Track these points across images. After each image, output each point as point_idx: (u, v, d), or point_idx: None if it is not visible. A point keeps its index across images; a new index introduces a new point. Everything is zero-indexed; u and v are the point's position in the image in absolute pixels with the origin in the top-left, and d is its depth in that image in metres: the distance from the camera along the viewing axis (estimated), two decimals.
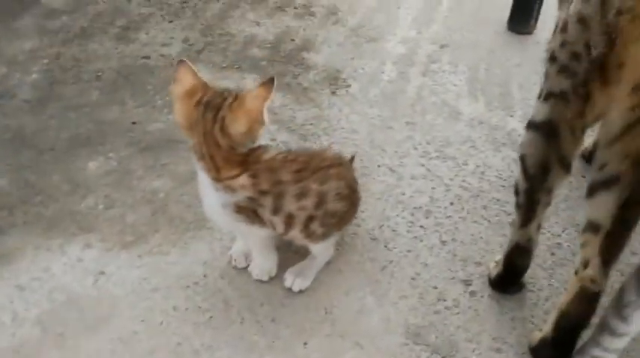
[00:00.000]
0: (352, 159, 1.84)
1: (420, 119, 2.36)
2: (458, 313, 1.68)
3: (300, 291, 1.69)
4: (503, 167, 2.17)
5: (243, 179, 1.50)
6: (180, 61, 1.48)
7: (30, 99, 2.33)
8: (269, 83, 1.44)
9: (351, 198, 1.70)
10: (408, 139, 2.26)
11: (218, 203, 1.52)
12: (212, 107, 1.46)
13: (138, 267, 1.75)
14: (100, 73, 2.48)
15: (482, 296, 1.73)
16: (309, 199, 1.57)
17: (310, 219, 1.59)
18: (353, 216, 1.76)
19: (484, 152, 2.23)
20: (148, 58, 2.59)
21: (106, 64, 2.54)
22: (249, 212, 1.53)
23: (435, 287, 1.74)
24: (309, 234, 1.62)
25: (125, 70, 2.51)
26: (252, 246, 1.69)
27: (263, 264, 1.71)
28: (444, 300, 1.71)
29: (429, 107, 2.42)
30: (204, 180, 1.53)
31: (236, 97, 1.46)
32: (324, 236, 1.64)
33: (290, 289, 1.69)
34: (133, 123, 2.25)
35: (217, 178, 1.50)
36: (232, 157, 1.48)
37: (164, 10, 2.93)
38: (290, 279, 1.69)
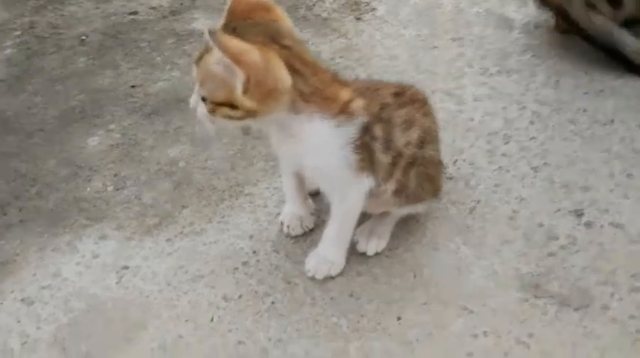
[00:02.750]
0: None
1: (466, 33, 1.99)
2: (578, 251, 1.33)
3: (377, 254, 1.35)
4: (579, 72, 1.81)
5: (359, 100, 1.20)
6: None
7: (6, 77, 1.96)
8: None
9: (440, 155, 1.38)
10: (459, 57, 1.89)
11: (338, 145, 1.18)
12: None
13: (169, 254, 1.40)
14: (83, 37, 2.11)
15: (601, 226, 1.38)
16: (415, 131, 1.26)
17: (412, 162, 1.26)
18: (441, 184, 1.40)
19: (551, 58, 1.86)
20: (135, 13, 2.22)
21: (88, 26, 2.16)
22: (365, 153, 1.20)
23: (541, 225, 1.39)
24: (402, 189, 1.27)
25: (112, 30, 2.14)
26: (337, 222, 1.30)
27: (332, 258, 1.32)
28: (556, 238, 1.36)
29: (473, 19, 2.05)
30: (310, 130, 1.18)
31: None
32: (411, 199, 1.31)
33: (364, 254, 1.35)
34: (132, 86, 1.89)
35: (340, 108, 1.19)
36: (334, 78, 1.22)
37: None
38: (363, 242, 1.34)
